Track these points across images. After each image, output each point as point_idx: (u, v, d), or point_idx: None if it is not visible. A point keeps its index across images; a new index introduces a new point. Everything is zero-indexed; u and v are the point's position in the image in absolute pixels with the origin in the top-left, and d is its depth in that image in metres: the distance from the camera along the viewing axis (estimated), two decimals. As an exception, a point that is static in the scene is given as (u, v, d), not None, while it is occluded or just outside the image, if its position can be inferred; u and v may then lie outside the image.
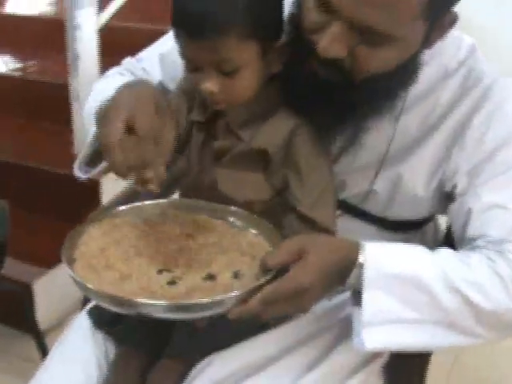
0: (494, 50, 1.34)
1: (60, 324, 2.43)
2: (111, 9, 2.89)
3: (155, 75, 1.40)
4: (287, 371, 1.18)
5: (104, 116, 1.06)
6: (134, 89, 1.12)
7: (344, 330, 1.24)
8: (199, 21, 1.09)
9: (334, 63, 1.09)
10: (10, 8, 3.90)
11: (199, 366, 1.18)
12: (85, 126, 1.38)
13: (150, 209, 1.26)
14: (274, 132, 1.18)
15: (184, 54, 1.16)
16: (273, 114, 1.19)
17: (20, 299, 2.33)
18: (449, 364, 2.44)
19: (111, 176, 2.54)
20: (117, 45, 3.05)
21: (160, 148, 1.07)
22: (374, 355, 1.27)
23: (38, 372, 1.28)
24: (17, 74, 3.33)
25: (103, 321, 1.28)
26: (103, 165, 1.20)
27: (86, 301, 1.50)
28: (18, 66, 3.41)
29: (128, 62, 1.48)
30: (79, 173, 1.24)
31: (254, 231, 1.20)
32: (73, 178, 2.81)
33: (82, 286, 1.07)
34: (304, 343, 1.22)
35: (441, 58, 1.21)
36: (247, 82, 1.16)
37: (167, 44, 1.39)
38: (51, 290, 2.48)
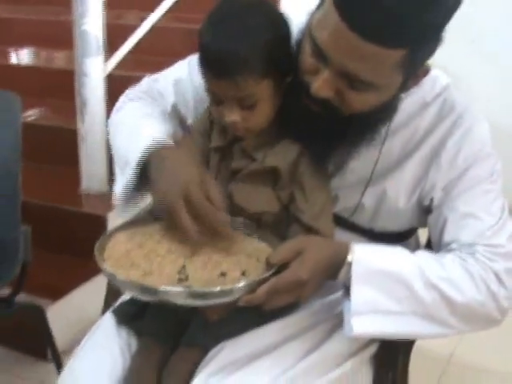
0: (467, 94, 1.54)
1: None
2: (116, 58, 3.11)
3: (169, 98, 1.58)
4: (288, 356, 1.35)
5: (164, 197, 1.31)
6: (182, 167, 1.34)
7: (337, 323, 1.41)
8: (225, 63, 1.27)
9: (323, 101, 1.28)
10: (21, 59, 4.13)
11: (211, 353, 1.34)
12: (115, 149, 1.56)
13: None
14: (285, 153, 1.37)
15: (209, 90, 1.35)
16: (279, 140, 1.38)
17: (36, 323, 2.47)
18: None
19: (116, 212, 2.70)
20: (122, 92, 3.27)
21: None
22: (364, 345, 1.45)
23: (69, 361, 1.45)
24: (28, 119, 3.50)
25: (126, 317, 1.45)
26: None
27: (105, 309, 1.68)
28: (29, 112, 3.60)
29: (146, 82, 1.65)
30: (120, 200, 1.46)
31: (258, 239, 1.39)
32: (81, 215, 2.99)
33: (113, 278, 1.26)
34: (303, 333, 1.40)
35: (420, 91, 1.39)
36: (264, 113, 1.35)
37: (181, 72, 1.58)
38: (64, 315, 2.63)
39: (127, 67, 3.23)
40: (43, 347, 2.61)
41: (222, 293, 1.23)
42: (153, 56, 3.59)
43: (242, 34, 1.28)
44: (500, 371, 2.64)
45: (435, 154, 1.41)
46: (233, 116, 1.33)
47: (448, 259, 1.34)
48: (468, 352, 2.72)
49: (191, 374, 1.33)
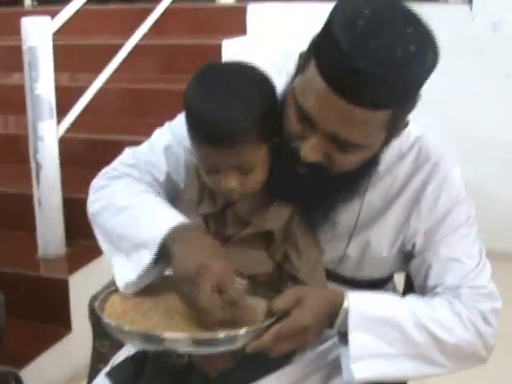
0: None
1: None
2: (68, 121, 3.13)
3: (162, 167, 1.56)
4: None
5: (193, 282, 1.29)
6: (209, 263, 1.31)
7: (332, 371, 1.46)
8: (224, 133, 1.28)
9: (312, 165, 1.32)
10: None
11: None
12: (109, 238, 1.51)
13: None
14: (278, 215, 1.40)
15: (204, 159, 1.36)
16: (271, 201, 1.41)
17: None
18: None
19: (78, 275, 2.71)
20: (74, 154, 3.29)
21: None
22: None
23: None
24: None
25: (122, 380, 1.45)
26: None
27: (92, 374, 1.68)
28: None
29: (129, 155, 1.61)
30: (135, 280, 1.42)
31: (258, 296, 1.41)
32: (41, 279, 2.96)
33: (118, 329, 1.29)
34: (301, 382, 1.44)
35: (396, 142, 1.43)
36: (261, 176, 1.37)
37: (166, 138, 1.57)
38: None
39: (78, 129, 3.26)
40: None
41: (227, 339, 1.25)
42: (102, 117, 3.62)
43: (237, 103, 1.29)
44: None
45: (415, 201, 1.46)
46: (231, 183, 1.34)
47: (436, 302, 1.40)
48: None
49: None
